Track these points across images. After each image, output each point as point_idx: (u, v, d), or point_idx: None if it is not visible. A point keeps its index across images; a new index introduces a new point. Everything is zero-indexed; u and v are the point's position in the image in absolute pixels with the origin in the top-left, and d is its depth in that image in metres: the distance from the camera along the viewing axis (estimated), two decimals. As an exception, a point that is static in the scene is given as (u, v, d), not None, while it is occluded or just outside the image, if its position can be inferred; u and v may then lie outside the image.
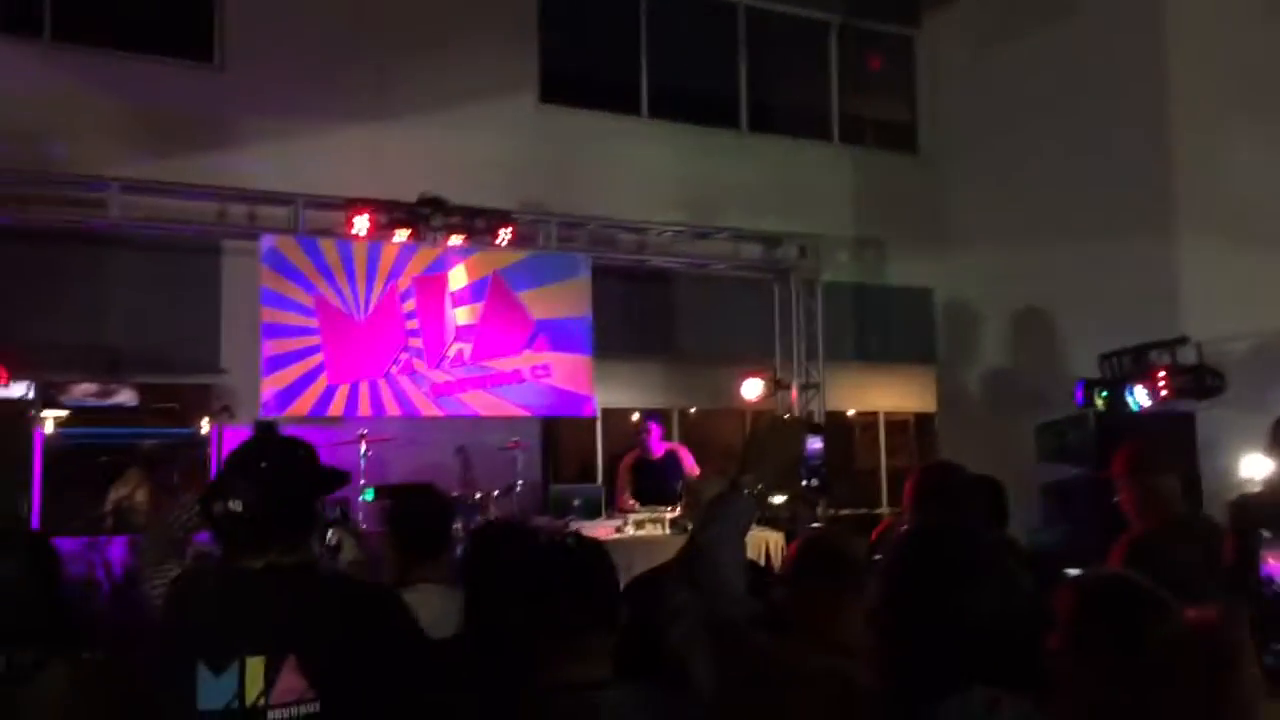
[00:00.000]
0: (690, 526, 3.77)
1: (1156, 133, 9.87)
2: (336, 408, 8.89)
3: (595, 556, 2.33)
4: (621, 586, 5.90)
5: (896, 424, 12.80)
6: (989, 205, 11.77)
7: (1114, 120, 10.12)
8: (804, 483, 2.32)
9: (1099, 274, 9.92)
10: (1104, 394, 8.36)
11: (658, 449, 8.67)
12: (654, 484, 8.53)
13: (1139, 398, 8.21)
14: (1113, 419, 7.98)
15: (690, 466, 8.65)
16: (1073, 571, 4.02)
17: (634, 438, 9.05)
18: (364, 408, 8.99)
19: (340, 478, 2.65)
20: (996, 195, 11.61)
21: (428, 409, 9.24)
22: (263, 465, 2.43)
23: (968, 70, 12.20)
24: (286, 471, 2.45)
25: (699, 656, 2.31)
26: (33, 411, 7.85)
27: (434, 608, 3.11)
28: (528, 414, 9.73)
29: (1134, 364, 8.55)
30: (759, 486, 2.38)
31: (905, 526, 3.50)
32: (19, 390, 8.23)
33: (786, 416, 9.17)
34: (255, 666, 2.24)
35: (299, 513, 2.45)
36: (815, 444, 2.19)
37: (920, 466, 3.60)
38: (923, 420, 12.75)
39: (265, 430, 7.79)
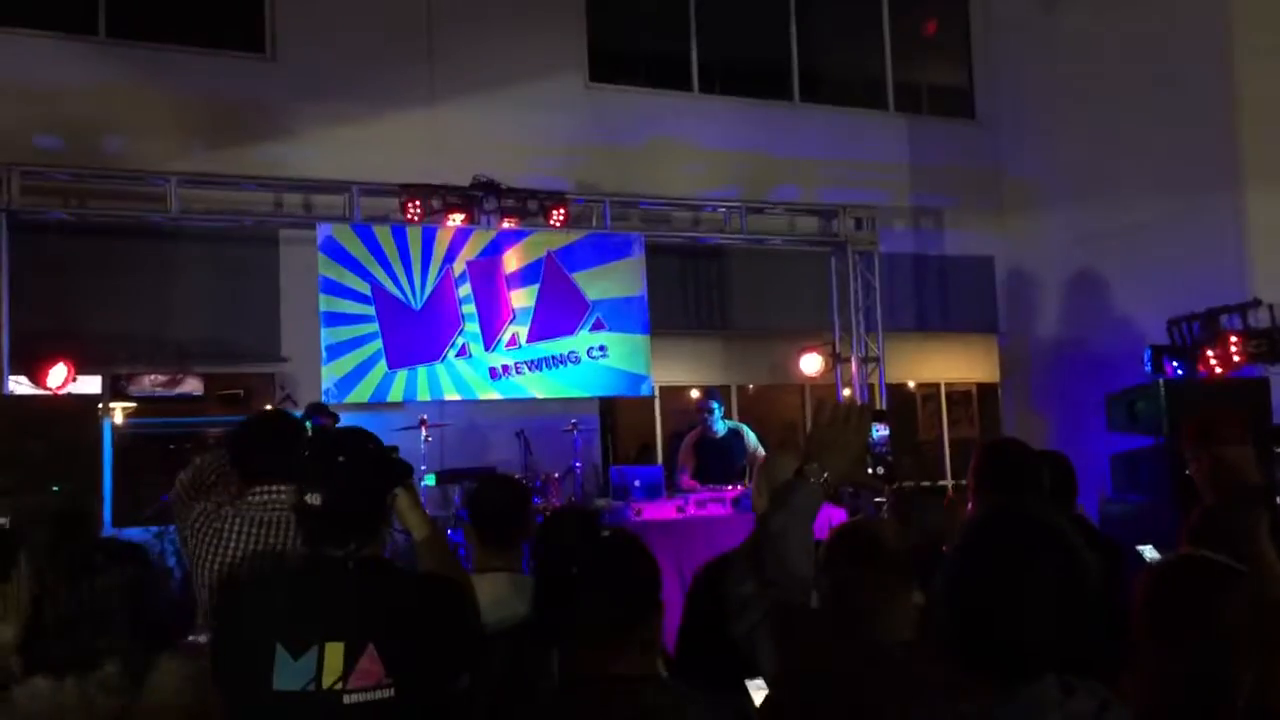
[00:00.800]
0: (755, 508, 3.74)
1: (1223, 91, 9.59)
2: (395, 393, 8.95)
3: (628, 550, 2.33)
4: (683, 567, 5.89)
5: (958, 395, 12.62)
6: (1049, 170, 11.54)
7: (1179, 79, 9.84)
8: (869, 470, 2.29)
9: (1165, 237, 9.69)
10: (1173, 361, 8.16)
11: (719, 427, 8.58)
12: (716, 463, 8.46)
13: (1210, 363, 8.00)
14: (1183, 387, 7.79)
15: (753, 445, 8.59)
16: (1145, 548, 3.94)
17: (695, 415, 8.98)
18: (422, 392, 9.05)
19: (408, 470, 2.73)
20: (1057, 160, 11.37)
21: (486, 392, 9.27)
22: (340, 460, 2.50)
23: (1024, 32, 11.95)
24: (362, 466, 2.52)
25: (764, 648, 2.27)
26: (103, 406, 8.00)
27: (505, 595, 3.11)
28: (586, 395, 9.73)
29: (1204, 329, 8.34)
30: (825, 476, 2.34)
31: (969, 507, 3.42)
32: (89, 386, 8.39)
33: (852, 404, 9.02)
34: (334, 651, 2.29)
35: (374, 505, 2.53)
36: (881, 431, 2.15)
37: (982, 444, 3.50)
38: (985, 390, 12.57)
39: (316, 411, 7.87)
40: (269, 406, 8.14)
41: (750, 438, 8.61)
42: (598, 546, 2.39)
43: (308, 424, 7.79)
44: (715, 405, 8.56)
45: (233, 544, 3.34)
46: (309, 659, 2.29)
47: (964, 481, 3.52)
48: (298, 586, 2.47)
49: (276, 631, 2.32)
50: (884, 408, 10.19)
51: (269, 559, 3.29)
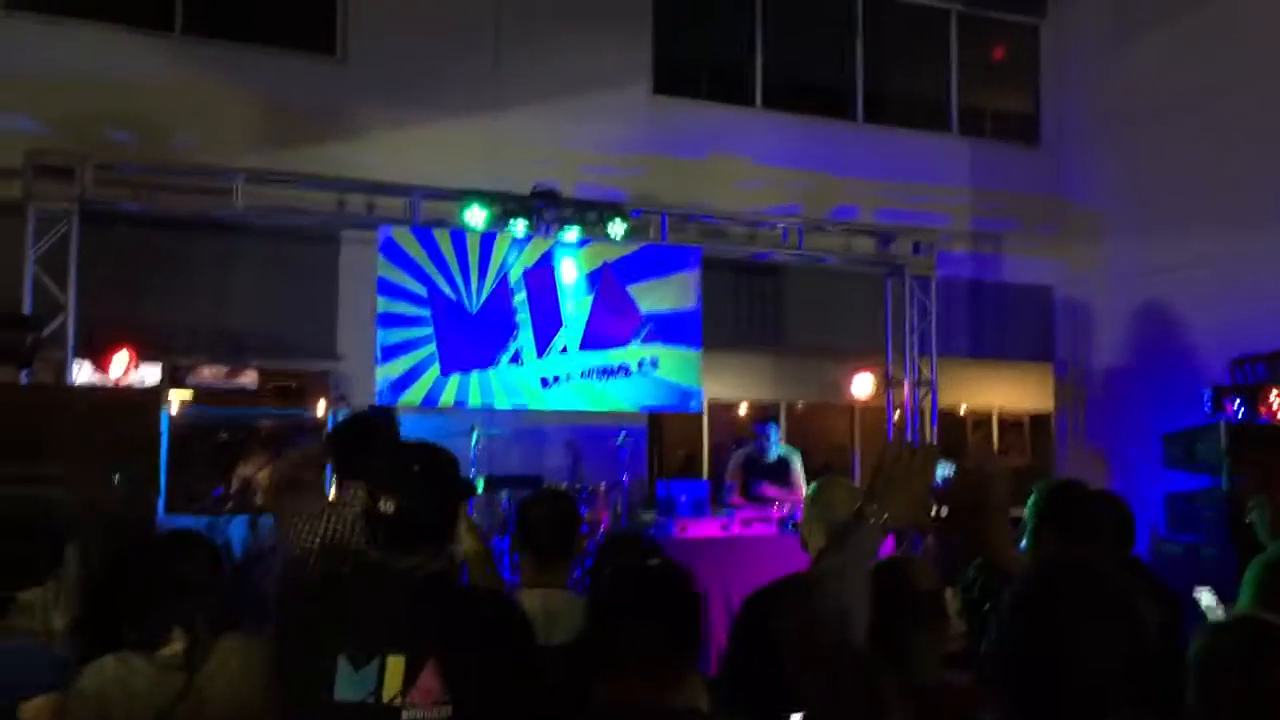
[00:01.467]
0: (803, 538, 3.72)
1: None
2: (448, 398, 9.01)
3: (679, 583, 2.34)
4: (728, 586, 5.87)
5: (1011, 423, 12.49)
6: (1112, 199, 11.39)
7: (1247, 113, 9.68)
8: (932, 513, 2.24)
9: (1231, 273, 9.52)
10: (1235, 401, 8.01)
11: (774, 452, 8.56)
12: (761, 484, 8.46)
13: (1274, 406, 7.85)
14: (1244, 429, 7.65)
15: (798, 472, 8.59)
16: (1202, 591, 3.87)
17: (748, 433, 8.94)
18: (474, 398, 9.10)
19: (472, 488, 2.80)
20: (1121, 190, 11.23)
21: (536, 400, 9.31)
22: (415, 469, 2.52)
23: (1093, 61, 11.82)
24: (436, 477, 2.54)
25: (811, 687, 2.25)
26: (163, 396, 8.14)
27: (557, 611, 3.12)
28: (635, 409, 9.74)
29: (1268, 370, 8.18)
30: (884, 517, 2.30)
31: (1026, 545, 3.38)
32: (151, 377, 8.53)
33: (919, 443, 8.93)
34: (395, 665, 2.29)
35: (445, 517, 2.54)
36: (946, 471, 2.12)
37: (1043, 486, 3.45)
38: (1038, 420, 12.42)
39: (382, 415, 7.92)
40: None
41: (797, 465, 8.58)
42: (649, 577, 2.40)
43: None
44: (773, 429, 8.56)
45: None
46: (370, 671, 2.30)
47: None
48: (364, 596, 2.46)
49: (340, 641, 2.33)
50: (947, 444, 10.10)
51: (336, 564, 3.34)
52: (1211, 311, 9.77)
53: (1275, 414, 8.03)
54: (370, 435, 3.87)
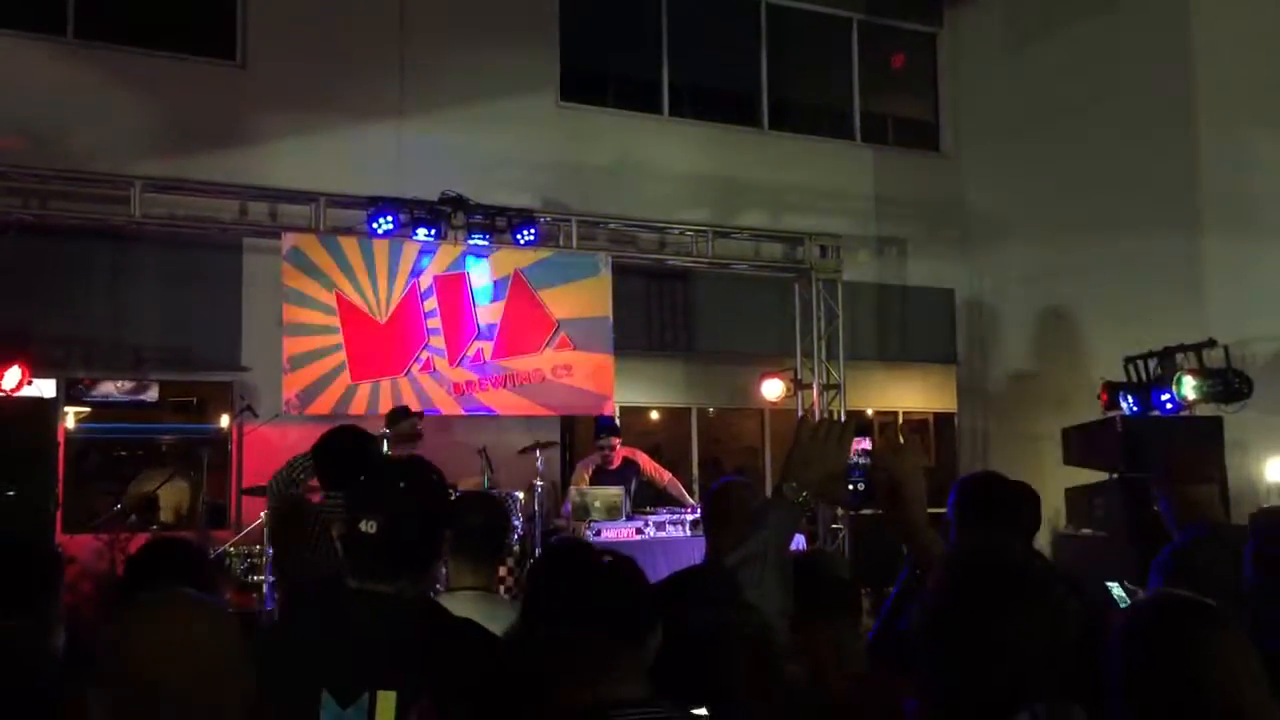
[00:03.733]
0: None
1: (1183, 132, 9.81)
2: (358, 406, 8.88)
3: (633, 575, 2.29)
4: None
5: (916, 423, 12.75)
6: (1012, 205, 11.72)
7: (1139, 120, 10.06)
8: (850, 487, 2.24)
9: (1124, 275, 9.87)
10: (1129, 397, 8.29)
11: (616, 461, 8.62)
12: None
13: (1165, 401, 8.15)
14: (1140, 424, 7.92)
15: (648, 467, 8.74)
16: (1113, 585, 3.99)
17: (594, 445, 8.91)
18: (385, 406, 8.94)
19: (501, 509, 2.59)
20: (1019, 195, 11.56)
21: (449, 407, 9.23)
22: (401, 486, 2.30)
23: (991, 69, 12.16)
24: (422, 496, 2.32)
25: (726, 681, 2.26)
26: (58, 410, 7.86)
27: (494, 616, 3.09)
28: (548, 413, 9.72)
29: (1160, 367, 8.49)
30: (804, 495, 2.31)
31: (948, 538, 3.44)
32: (45, 389, 8.24)
33: (834, 418, 9.09)
34: (386, 702, 2.10)
35: (432, 539, 2.32)
36: (863, 445, 2.13)
37: (963, 478, 3.52)
38: (942, 420, 12.70)
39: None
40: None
41: (645, 463, 8.77)
42: (602, 572, 2.35)
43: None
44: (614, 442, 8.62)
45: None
46: (359, 710, 2.10)
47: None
48: (346, 625, 2.21)
49: (323, 675, 2.12)
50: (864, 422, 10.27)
51: (311, 593, 3.24)
52: (1106, 311, 10.11)
53: (1168, 408, 8.32)
54: (362, 447, 3.75)
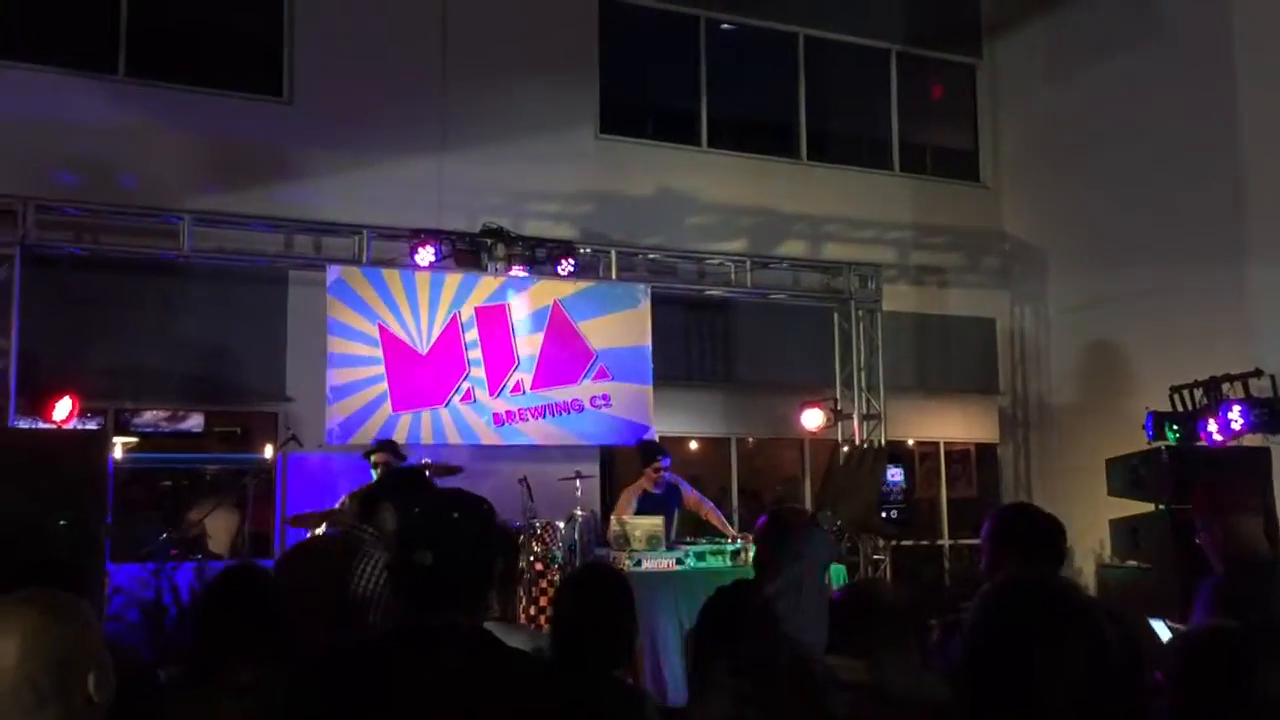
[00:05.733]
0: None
1: (1227, 160, 9.73)
2: (399, 436, 8.92)
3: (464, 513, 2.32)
4: (682, 617, 5.92)
5: (957, 454, 12.64)
6: (1051, 234, 11.67)
7: (1182, 148, 10.00)
8: (884, 515, 2.26)
9: (1168, 304, 9.78)
10: (1174, 428, 8.20)
11: (661, 487, 8.63)
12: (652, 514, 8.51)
13: (1212, 431, 8.05)
14: (1186, 454, 7.82)
15: (690, 495, 8.78)
16: (1156, 623, 3.94)
17: (644, 468, 8.92)
18: (426, 436, 9.06)
19: (514, 543, 2.62)
20: (1060, 224, 11.51)
21: (489, 438, 9.29)
22: (455, 516, 2.30)
23: (1030, 99, 12.14)
24: (476, 526, 2.31)
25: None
26: (108, 441, 8.00)
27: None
28: (588, 443, 9.75)
29: (1206, 397, 8.39)
30: (838, 523, 2.32)
31: (983, 569, 3.43)
32: (95, 422, 8.38)
33: (866, 446, 9.03)
34: None
35: (484, 570, 2.30)
36: (895, 475, 2.12)
37: (1000, 508, 3.51)
38: (984, 450, 12.59)
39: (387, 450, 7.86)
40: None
41: (686, 491, 8.80)
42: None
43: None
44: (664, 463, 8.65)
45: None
46: None
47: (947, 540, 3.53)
48: (402, 659, 2.18)
49: (382, 709, 2.11)
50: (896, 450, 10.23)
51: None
52: (1150, 340, 10.02)
53: (1214, 438, 8.22)
54: (422, 485, 3.83)
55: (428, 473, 8.09)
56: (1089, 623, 1.90)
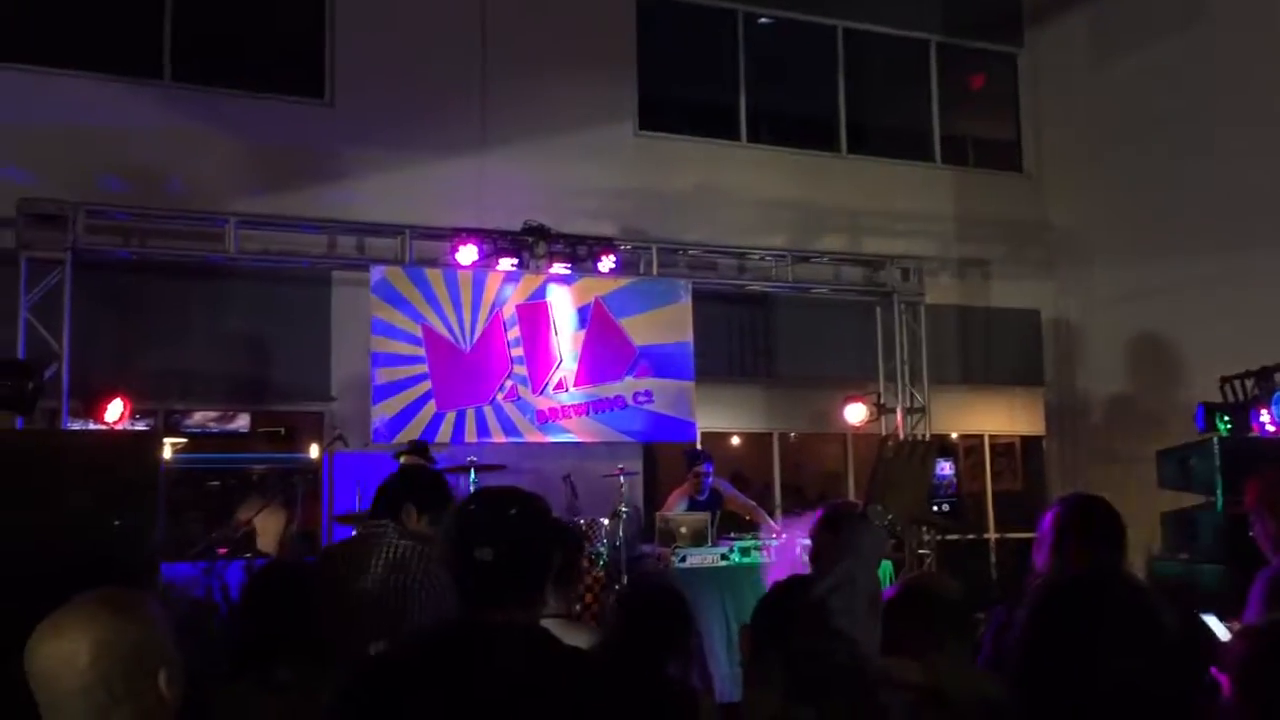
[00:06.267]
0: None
1: (1273, 145, 9.56)
2: (444, 434, 9.01)
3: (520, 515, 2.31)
4: (728, 612, 5.94)
5: (1002, 447, 12.53)
6: (1097, 223, 11.52)
7: (1229, 133, 9.84)
8: (934, 508, 2.22)
9: (1217, 293, 9.63)
10: (1226, 419, 8.07)
11: (704, 492, 8.63)
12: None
13: (1265, 421, 7.92)
14: (1238, 445, 7.69)
15: (732, 497, 8.82)
16: (1209, 618, 3.88)
17: (687, 473, 8.93)
18: (470, 434, 9.11)
19: (572, 535, 2.65)
20: (1104, 213, 11.36)
21: (532, 435, 9.33)
22: (512, 512, 2.29)
23: (1072, 87, 12.00)
24: (534, 521, 2.31)
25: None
26: (159, 441, 8.10)
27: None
28: (631, 440, 9.77)
29: (1258, 386, 8.25)
30: (889, 517, 2.29)
31: (1044, 560, 3.39)
32: (145, 424, 8.50)
33: (916, 439, 9.00)
34: None
35: (542, 566, 2.30)
36: (945, 468, 2.09)
37: (1060, 499, 3.48)
38: (1029, 443, 12.47)
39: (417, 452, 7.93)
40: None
41: (728, 492, 8.86)
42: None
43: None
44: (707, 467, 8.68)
45: None
46: None
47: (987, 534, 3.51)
48: (461, 657, 2.17)
49: (436, 709, 2.10)
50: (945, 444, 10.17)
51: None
52: (1198, 330, 9.86)
53: (1266, 429, 8.09)
54: (440, 485, 3.89)
55: (472, 471, 8.20)
56: (1147, 613, 1.88)
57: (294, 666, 2.83)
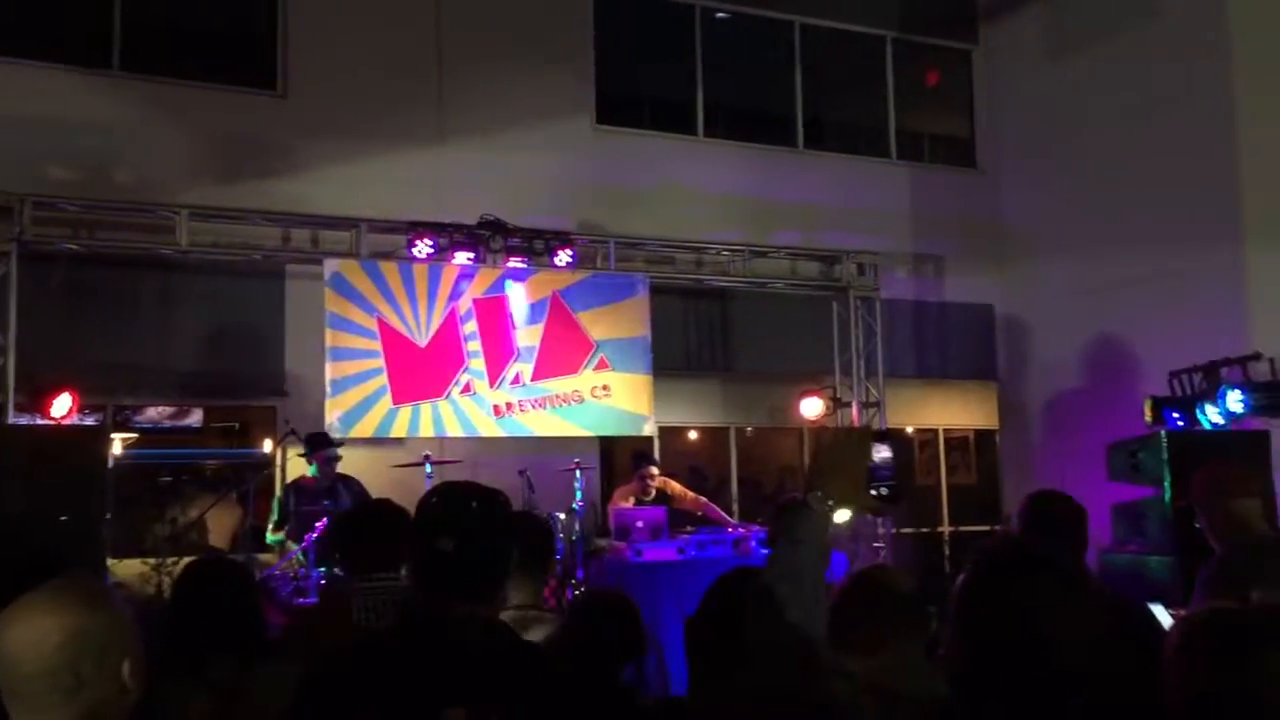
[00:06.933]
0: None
1: (1225, 146, 9.72)
2: (399, 429, 8.96)
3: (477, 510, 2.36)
4: (684, 606, 5.94)
5: (956, 441, 12.66)
6: (1050, 219, 11.65)
7: (1179, 132, 9.98)
8: (873, 493, 2.23)
9: (1166, 288, 9.78)
10: (1174, 412, 8.20)
11: (651, 493, 8.71)
12: None
13: (1211, 415, 8.05)
14: (1185, 439, 7.82)
15: (679, 493, 8.85)
16: (1156, 607, 3.95)
17: (632, 475, 8.98)
18: (426, 429, 9.06)
19: (541, 528, 2.66)
20: (1058, 209, 11.49)
21: (489, 429, 9.30)
22: (473, 505, 2.35)
23: (1027, 84, 12.12)
24: (495, 514, 2.38)
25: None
26: (107, 437, 7.99)
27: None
28: (588, 434, 9.76)
29: (1205, 381, 8.39)
30: (829, 503, 2.30)
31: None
32: (94, 419, 8.37)
33: (851, 428, 9.09)
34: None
35: (501, 560, 2.36)
36: (883, 453, 2.13)
37: (1031, 494, 3.56)
38: (983, 437, 12.61)
39: (320, 443, 7.91)
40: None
41: (674, 490, 8.90)
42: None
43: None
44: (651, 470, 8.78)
45: None
46: None
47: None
48: (415, 646, 2.22)
49: (386, 698, 2.14)
50: (884, 429, 10.26)
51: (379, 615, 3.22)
52: (1148, 325, 10.02)
53: (1214, 422, 8.22)
54: (377, 525, 3.63)
55: (428, 466, 8.16)
56: (1078, 587, 1.91)
57: (227, 664, 2.78)
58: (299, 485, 7.94)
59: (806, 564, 2.22)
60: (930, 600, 3.33)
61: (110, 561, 7.85)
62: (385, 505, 3.84)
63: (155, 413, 9.72)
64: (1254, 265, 9.44)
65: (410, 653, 2.21)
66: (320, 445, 7.92)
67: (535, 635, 3.11)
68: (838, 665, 2.42)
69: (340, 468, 7.98)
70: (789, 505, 2.33)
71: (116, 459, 8.87)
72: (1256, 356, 8.25)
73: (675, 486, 8.95)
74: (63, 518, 5.77)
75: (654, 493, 8.74)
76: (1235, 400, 8.05)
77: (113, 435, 8.79)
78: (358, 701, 2.16)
